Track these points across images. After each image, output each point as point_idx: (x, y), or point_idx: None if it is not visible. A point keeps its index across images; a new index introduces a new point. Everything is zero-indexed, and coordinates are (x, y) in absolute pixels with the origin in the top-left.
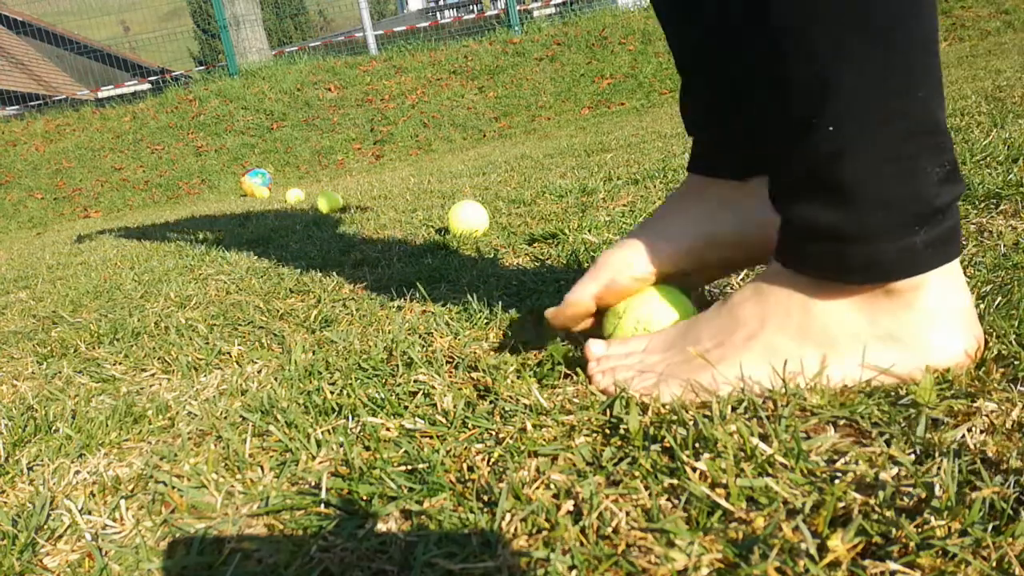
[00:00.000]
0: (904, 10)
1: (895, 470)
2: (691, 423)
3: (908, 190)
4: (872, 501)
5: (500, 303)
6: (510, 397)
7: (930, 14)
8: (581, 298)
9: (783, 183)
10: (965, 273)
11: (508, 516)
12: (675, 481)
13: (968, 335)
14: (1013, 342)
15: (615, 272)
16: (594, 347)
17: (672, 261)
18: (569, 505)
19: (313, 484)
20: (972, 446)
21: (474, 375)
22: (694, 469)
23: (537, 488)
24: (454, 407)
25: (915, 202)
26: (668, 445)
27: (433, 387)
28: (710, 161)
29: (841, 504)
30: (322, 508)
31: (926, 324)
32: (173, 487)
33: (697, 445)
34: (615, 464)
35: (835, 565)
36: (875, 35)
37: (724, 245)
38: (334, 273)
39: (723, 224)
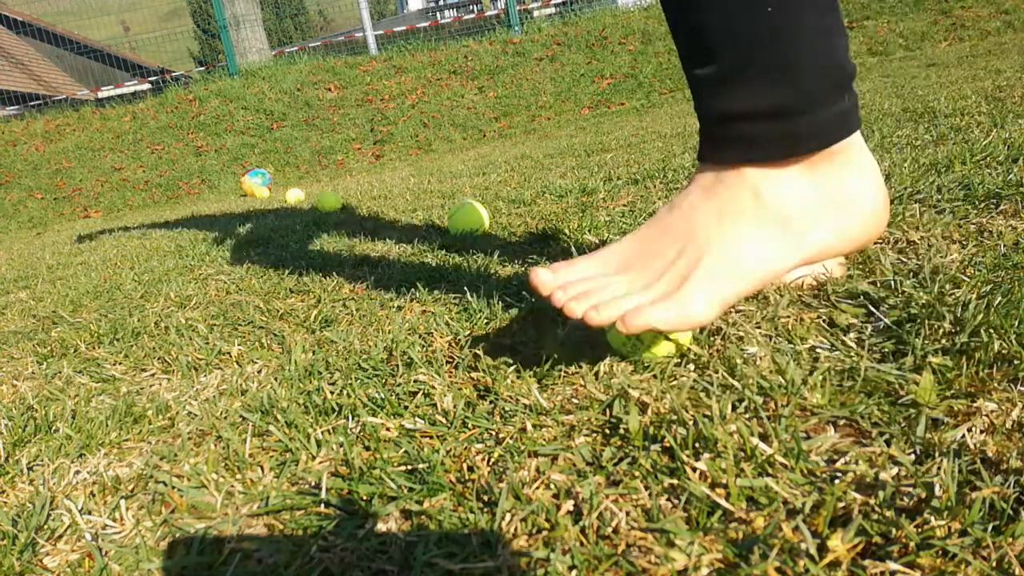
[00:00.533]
0: None
1: (895, 470)
2: (691, 423)
3: (833, 60)
4: (872, 501)
5: (500, 303)
6: (510, 397)
7: None
8: None
9: (719, 80)
10: (965, 273)
11: (508, 516)
12: (675, 481)
13: (883, 185)
14: (1013, 342)
15: None
16: (543, 275)
17: None
18: (569, 505)
19: (313, 484)
20: (972, 446)
21: (474, 375)
22: (694, 469)
23: (537, 488)
24: (454, 407)
25: (840, 70)
26: (668, 445)
27: (433, 387)
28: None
29: (841, 504)
30: (322, 508)
31: (860, 176)
32: (173, 487)
33: (697, 445)
34: (615, 464)
35: (835, 565)
36: None
37: None
38: (334, 273)
39: None
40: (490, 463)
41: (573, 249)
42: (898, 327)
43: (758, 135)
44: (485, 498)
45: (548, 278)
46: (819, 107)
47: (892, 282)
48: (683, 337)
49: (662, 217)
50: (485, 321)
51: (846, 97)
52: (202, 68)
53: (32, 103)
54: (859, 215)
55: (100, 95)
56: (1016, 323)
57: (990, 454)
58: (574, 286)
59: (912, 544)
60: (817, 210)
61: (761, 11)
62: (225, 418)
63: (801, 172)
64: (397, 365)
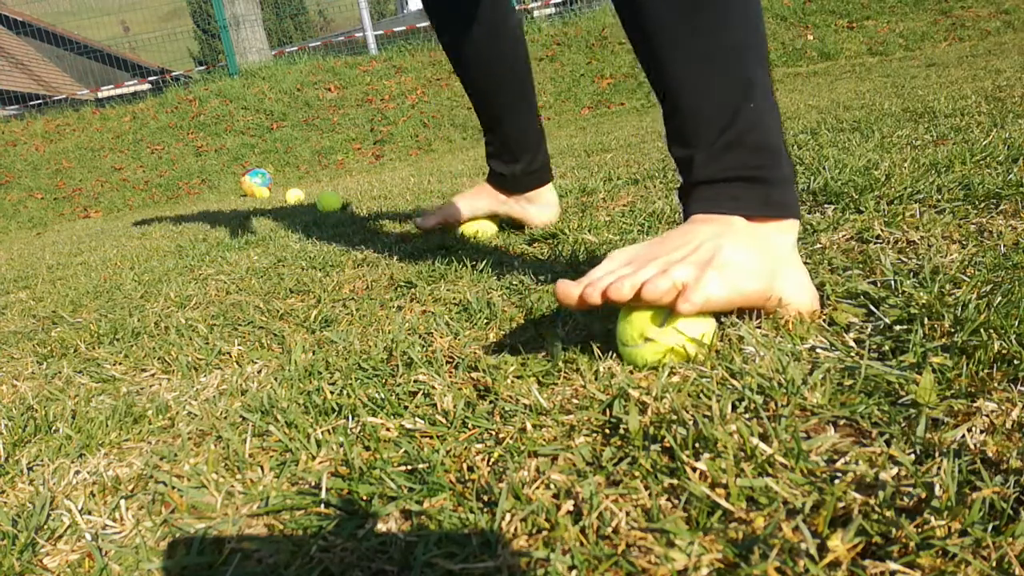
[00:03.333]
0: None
1: (895, 470)
2: (691, 423)
3: (787, 154)
4: (872, 501)
5: (500, 303)
6: (510, 397)
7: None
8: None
9: (708, 155)
10: (965, 273)
11: (508, 516)
12: (675, 481)
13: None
14: (1013, 342)
15: (458, 210)
16: (566, 283)
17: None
18: (569, 505)
19: (313, 484)
20: (972, 446)
21: (474, 375)
22: (694, 469)
23: (537, 488)
24: (454, 407)
25: (790, 162)
26: (668, 445)
27: (433, 387)
28: (499, 182)
29: (841, 504)
30: (322, 508)
31: (791, 259)
32: (173, 487)
33: (697, 445)
34: (615, 464)
35: (835, 565)
36: (762, 60)
37: (500, 213)
38: (334, 273)
39: (498, 205)
40: (490, 463)
41: (574, 249)
42: (898, 327)
43: (741, 196)
44: (485, 498)
45: (572, 284)
46: (787, 183)
47: (892, 282)
48: (696, 331)
49: (661, 237)
50: (485, 321)
51: (795, 185)
52: (202, 68)
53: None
54: (807, 291)
55: (100, 95)
56: (1016, 323)
57: (990, 454)
58: (603, 279)
59: (912, 544)
60: (785, 261)
61: (745, 109)
62: (225, 418)
63: (778, 230)
64: (397, 365)
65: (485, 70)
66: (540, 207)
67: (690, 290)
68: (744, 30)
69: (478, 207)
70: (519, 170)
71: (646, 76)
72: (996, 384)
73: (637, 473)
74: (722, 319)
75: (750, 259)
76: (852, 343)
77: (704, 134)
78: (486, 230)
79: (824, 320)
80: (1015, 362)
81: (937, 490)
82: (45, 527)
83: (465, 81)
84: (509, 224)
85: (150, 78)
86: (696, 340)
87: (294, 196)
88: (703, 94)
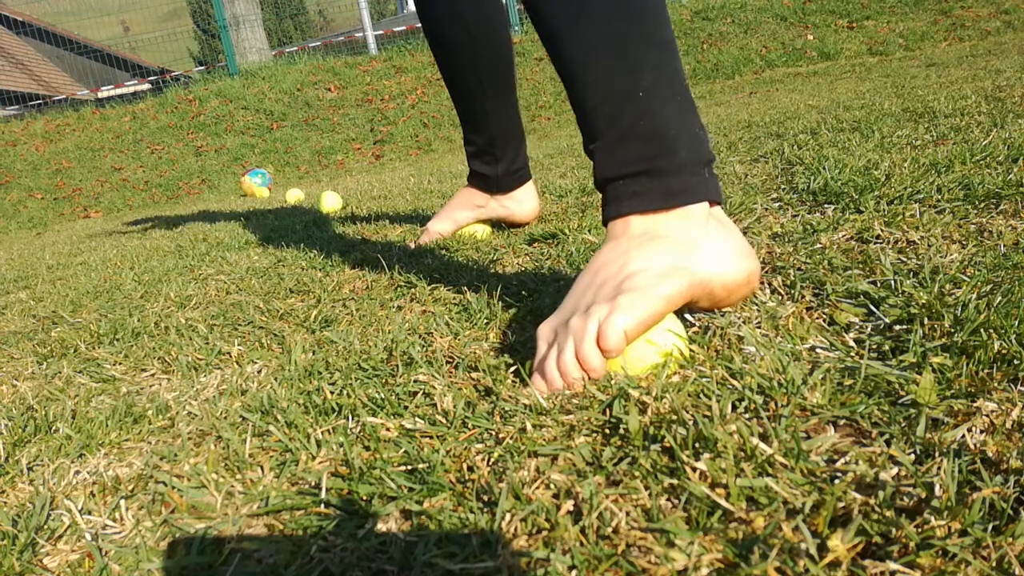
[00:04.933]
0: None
1: (895, 470)
2: (691, 423)
3: (696, 143)
4: (872, 501)
5: (500, 303)
6: (510, 397)
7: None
8: (440, 231)
9: (606, 150)
10: (964, 273)
11: (508, 516)
12: (675, 481)
13: (750, 253)
14: (1013, 342)
15: (439, 233)
16: (536, 382)
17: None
18: (569, 505)
19: (313, 484)
20: (972, 446)
21: (474, 375)
22: (694, 469)
23: (537, 488)
24: (454, 407)
25: (700, 147)
26: (668, 445)
27: (433, 387)
28: (480, 182)
29: (841, 504)
30: (322, 508)
31: (727, 237)
32: (173, 487)
33: (697, 445)
34: (615, 464)
35: (835, 565)
36: (653, 46)
37: (482, 218)
38: (334, 273)
39: (480, 211)
40: (490, 463)
41: (571, 247)
42: (898, 327)
43: (642, 190)
44: (485, 498)
45: (540, 384)
46: (682, 172)
47: (892, 282)
48: (670, 346)
49: (574, 284)
50: (485, 321)
51: (706, 172)
52: (202, 68)
53: (32, 103)
54: (730, 262)
55: (100, 95)
56: (1016, 323)
57: (990, 454)
58: (545, 364)
59: (912, 544)
60: (697, 243)
61: (635, 96)
62: (225, 418)
63: (682, 216)
64: (397, 365)
65: (475, 56)
66: (520, 203)
67: (602, 336)
68: (625, 19)
69: (460, 219)
70: (501, 170)
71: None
72: (996, 384)
73: (637, 473)
74: (685, 315)
75: (656, 262)
76: (852, 343)
77: (598, 129)
78: (481, 230)
79: (824, 320)
80: (1015, 362)
81: (937, 490)
82: (45, 527)
83: (449, 75)
84: (495, 224)
85: (150, 78)
86: (665, 352)
87: (294, 196)
88: (593, 89)
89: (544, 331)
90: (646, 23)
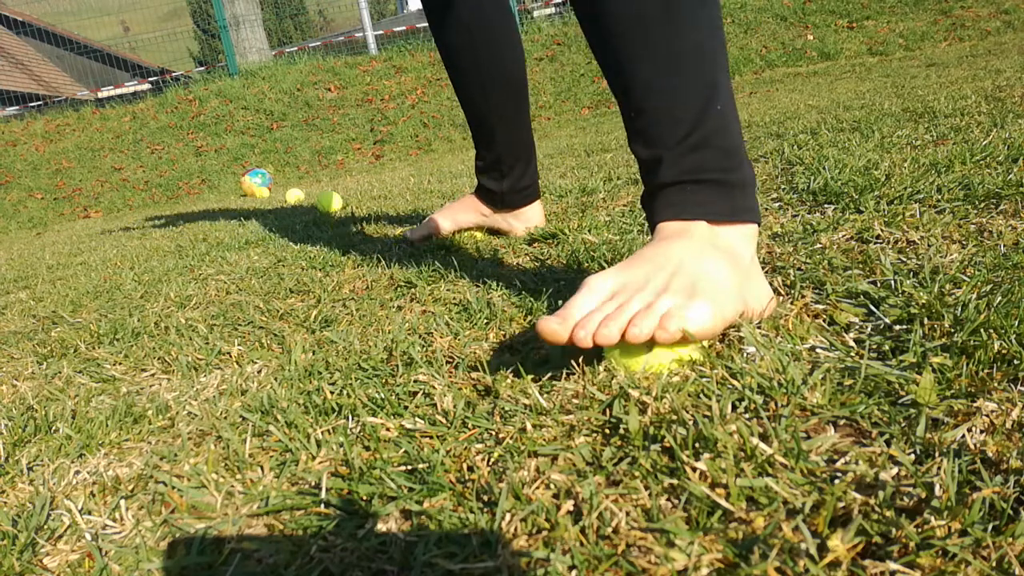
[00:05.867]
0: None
1: (895, 470)
2: (691, 423)
3: (750, 165)
4: (872, 501)
5: (500, 303)
6: (510, 397)
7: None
8: (440, 225)
9: (675, 157)
10: (965, 273)
11: (508, 516)
12: (675, 481)
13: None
14: (1013, 342)
15: (441, 226)
16: (552, 323)
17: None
18: (569, 505)
19: (313, 484)
20: (972, 446)
21: (474, 375)
22: (694, 469)
23: (537, 488)
24: (454, 407)
25: (751, 166)
26: (668, 445)
27: (433, 387)
28: (486, 196)
29: (841, 504)
30: (322, 508)
31: (755, 266)
32: (173, 487)
33: (697, 445)
34: (615, 464)
35: (835, 565)
36: (725, 64)
37: (484, 226)
38: (334, 273)
39: (483, 219)
40: (490, 463)
41: (573, 249)
42: (898, 327)
43: (709, 199)
44: (485, 498)
45: (557, 324)
46: (749, 187)
47: (892, 282)
48: (689, 352)
49: (635, 257)
50: (485, 321)
51: (755, 193)
52: (202, 68)
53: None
54: (762, 300)
55: (100, 95)
56: (1016, 323)
57: (990, 454)
58: (588, 319)
59: (912, 544)
60: (750, 271)
61: (714, 108)
62: (225, 418)
63: (742, 235)
64: (397, 365)
65: (483, 76)
66: (526, 222)
67: (669, 319)
68: (710, 33)
69: (461, 220)
70: (507, 187)
71: (605, 75)
72: (996, 384)
73: (637, 473)
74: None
75: (728, 278)
76: (852, 343)
77: (671, 135)
78: (480, 232)
79: (824, 320)
80: (1015, 362)
81: (937, 490)
82: (45, 527)
83: (460, 93)
84: (492, 233)
85: (150, 78)
86: (681, 359)
87: (294, 196)
88: (671, 95)
89: (597, 283)
90: (720, 36)
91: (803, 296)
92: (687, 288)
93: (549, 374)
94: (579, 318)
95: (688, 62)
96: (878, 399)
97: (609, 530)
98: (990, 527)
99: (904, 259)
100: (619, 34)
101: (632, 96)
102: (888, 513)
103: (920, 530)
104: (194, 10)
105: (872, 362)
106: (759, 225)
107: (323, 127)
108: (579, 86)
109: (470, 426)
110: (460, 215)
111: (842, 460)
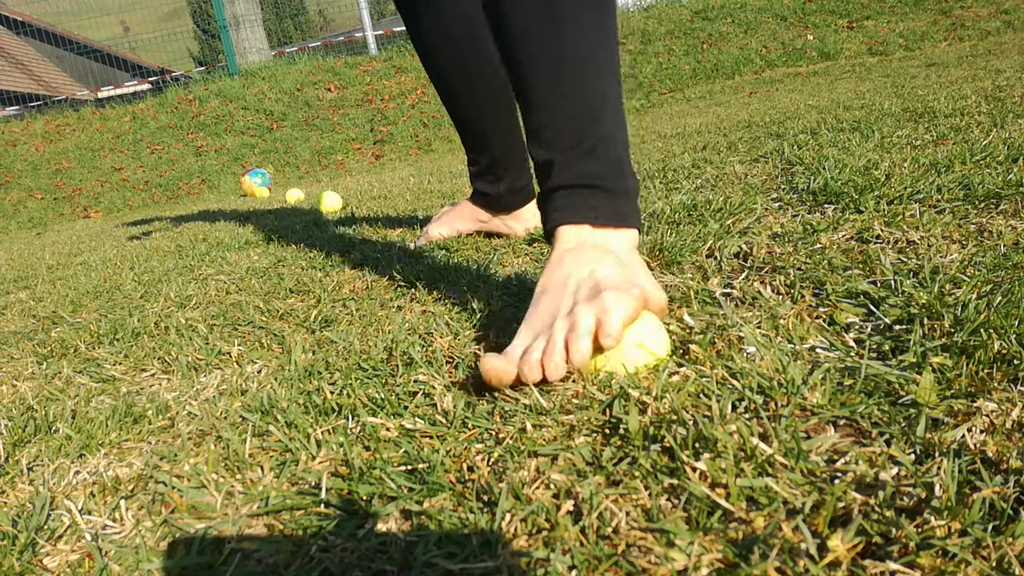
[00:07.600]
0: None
1: (895, 470)
2: (691, 423)
3: (634, 175)
4: (872, 501)
5: (500, 303)
6: (510, 397)
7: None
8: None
9: (568, 161)
10: (965, 273)
11: (508, 516)
12: (675, 481)
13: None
14: (1013, 342)
15: (438, 236)
16: (496, 362)
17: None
18: (569, 505)
19: (313, 484)
20: (972, 446)
21: (474, 375)
22: (694, 469)
23: (537, 488)
24: (454, 407)
25: (635, 176)
26: (668, 445)
27: (433, 387)
28: (483, 200)
29: (841, 504)
30: (322, 508)
31: (640, 264)
32: (173, 487)
33: (697, 445)
34: (615, 464)
35: (835, 565)
36: (617, 74)
37: (481, 231)
38: (334, 273)
39: (480, 224)
40: (490, 463)
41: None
42: (898, 327)
43: (596, 204)
44: (485, 498)
45: (503, 363)
46: (631, 196)
47: (892, 282)
48: (657, 349)
49: (542, 283)
50: (485, 321)
51: (639, 202)
52: (202, 68)
53: (32, 103)
54: (658, 290)
55: (100, 95)
56: (1016, 323)
57: (990, 454)
58: (529, 354)
59: (912, 544)
60: (636, 266)
61: (602, 118)
62: (225, 418)
63: (622, 238)
64: (397, 365)
65: (470, 76)
66: (525, 222)
67: (605, 326)
68: (599, 43)
69: (460, 228)
70: (504, 189)
71: (508, 76)
72: (996, 384)
73: (637, 473)
74: (684, 317)
75: (616, 272)
76: (852, 343)
77: (566, 139)
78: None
79: (824, 320)
80: (1015, 362)
81: (937, 490)
82: (45, 527)
83: (446, 99)
84: (488, 236)
85: (150, 78)
86: (644, 346)
87: (294, 196)
88: (568, 100)
89: (524, 333)
90: (614, 47)
91: (803, 296)
92: (590, 294)
93: None
94: (518, 355)
95: (583, 69)
96: (878, 399)
97: (609, 530)
98: (990, 527)
99: (904, 259)
100: (512, 44)
101: (532, 99)
102: (888, 513)
103: (920, 530)
104: (194, 10)
105: (872, 362)
106: (640, 231)
107: (323, 127)
108: None
109: (470, 426)
110: (458, 223)
111: (842, 460)
